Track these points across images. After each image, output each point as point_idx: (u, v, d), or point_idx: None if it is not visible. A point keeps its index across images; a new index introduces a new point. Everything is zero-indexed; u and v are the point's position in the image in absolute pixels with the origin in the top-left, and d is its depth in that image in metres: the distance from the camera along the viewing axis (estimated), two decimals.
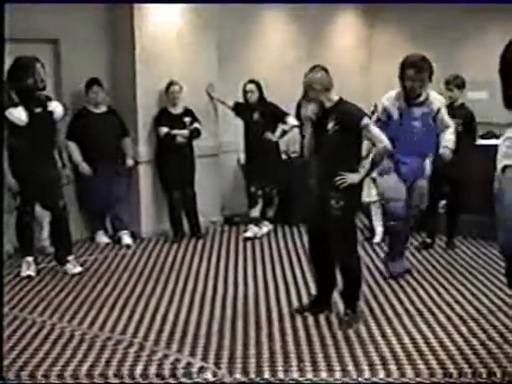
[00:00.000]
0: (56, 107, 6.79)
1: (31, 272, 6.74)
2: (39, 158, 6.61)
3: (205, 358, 4.74)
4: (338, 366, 4.55)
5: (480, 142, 8.28)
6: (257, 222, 8.39)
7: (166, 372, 4.53)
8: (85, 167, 7.80)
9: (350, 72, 10.29)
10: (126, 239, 8.00)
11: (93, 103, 7.92)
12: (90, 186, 7.91)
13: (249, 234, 8.25)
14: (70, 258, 6.90)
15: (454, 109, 7.37)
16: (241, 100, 8.50)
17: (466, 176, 7.38)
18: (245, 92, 8.37)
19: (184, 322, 5.45)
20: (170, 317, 5.57)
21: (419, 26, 10.36)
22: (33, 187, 6.64)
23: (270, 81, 8.67)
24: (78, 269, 6.86)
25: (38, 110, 6.61)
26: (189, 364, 4.65)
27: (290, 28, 9.95)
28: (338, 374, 4.43)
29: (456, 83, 7.44)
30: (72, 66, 7.87)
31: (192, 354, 4.82)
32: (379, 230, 7.87)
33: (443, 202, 7.73)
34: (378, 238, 7.86)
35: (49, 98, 6.78)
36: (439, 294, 5.99)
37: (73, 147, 7.80)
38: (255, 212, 8.42)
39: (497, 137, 9.04)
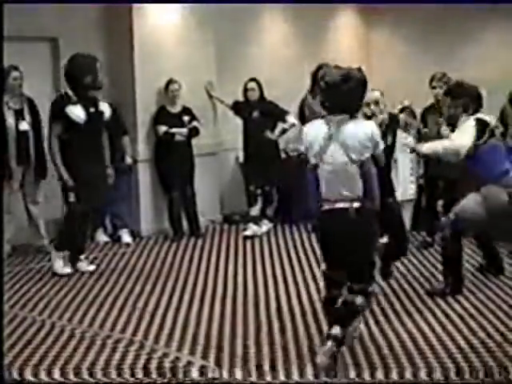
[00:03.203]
0: (106, 108, 6.84)
1: (68, 269, 6.76)
2: (92, 157, 6.65)
3: (205, 357, 4.74)
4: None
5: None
6: (256, 220, 8.39)
7: (166, 370, 4.53)
8: None
9: None
10: (126, 238, 8.00)
11: None
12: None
13: (248, 233, 8.24)
14: (82, 256, 6.90)
15: (440, 107, 7.35)
16: (240, 98, 8.49)
17: (459, 175, 7.36)
18: (245, 90, 8.37)
19: (183, 320, 5.45)
20: (170, 315, 5.57)
21: (417, 25, 10.37)
22: (85, 184, 6.60)
23: (268, 79, 8.66)
24: (92, 267, 6.89)
25: (92, 109, 6.65)
26: (189, 363, 4.65)
27: (289, 27, 9.94)
28: (338, 374, 4.41)
29: (439, 81, 7.39)
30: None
31: (192, 352, 4.82)
32: None
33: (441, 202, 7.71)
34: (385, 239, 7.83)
35: (97, 99, 6.83)
36: None
37: None
38: (255, 210, 8.42)
39: (494, 135, 9.02)
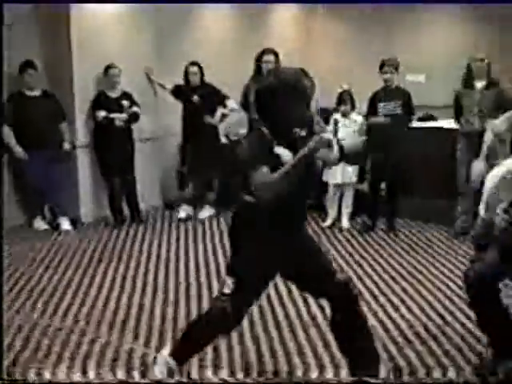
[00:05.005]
0: None
1: None
2: None
3: (146, 344, 4.69)
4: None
5: (418, 124, 8.35)
6: (190, 202, 8.36)
7: (108, 361, 4.48)
8: (19, 151, 7.61)
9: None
10: (65, 225, 7.85)
11: (27, 86, 7.74)
12: (26, 171, 7.74)
13: (182, 215, 8.22)
14: None
15: (390, 91, 7.42)
16: (180, 82, 8.40)
17: (404, 158, 7.43)
18: (186, 73, 8.28)
19: (125, 309, 5.39)
20: (111, 304, 5.50)
21: (354, 11, 10.43)
22: None
23: (209, 64, 8.56)
24: None
25: None
26: (131, 350, 4.60)
27: (230, 13, 9.86)
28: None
29: (391, 66, 7.44)
30: (6, 49, 7.64)
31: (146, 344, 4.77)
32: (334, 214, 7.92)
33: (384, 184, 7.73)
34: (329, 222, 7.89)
35: None
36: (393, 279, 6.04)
37: (6, 131, 7.62)
38: (187, 193, 8.42)
39: (434, 119, 9.14)
